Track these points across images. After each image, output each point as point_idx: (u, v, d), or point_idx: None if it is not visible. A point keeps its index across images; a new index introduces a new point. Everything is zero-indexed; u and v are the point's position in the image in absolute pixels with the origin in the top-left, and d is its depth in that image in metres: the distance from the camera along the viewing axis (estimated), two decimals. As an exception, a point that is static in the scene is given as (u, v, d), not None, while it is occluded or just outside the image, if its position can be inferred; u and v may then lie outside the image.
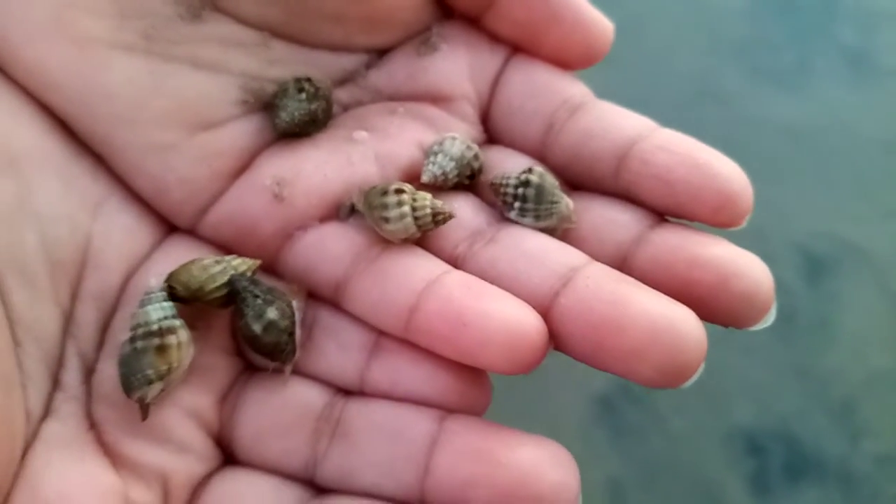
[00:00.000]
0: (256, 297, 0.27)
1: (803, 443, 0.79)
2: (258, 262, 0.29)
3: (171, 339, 0.26)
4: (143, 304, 0.26)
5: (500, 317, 0.25)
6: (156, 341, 0.26)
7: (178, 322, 0.26)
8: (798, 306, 0.85)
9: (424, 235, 0.29)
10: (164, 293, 0.27)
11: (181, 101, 0.28)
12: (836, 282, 0.87)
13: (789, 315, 0.84)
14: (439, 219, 0.28)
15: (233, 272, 0.27)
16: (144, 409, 0.26)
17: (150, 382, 0.25)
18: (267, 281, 0.29)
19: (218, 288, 0.27)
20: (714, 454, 0.78)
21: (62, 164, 0.28)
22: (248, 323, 0.27)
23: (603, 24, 0.31)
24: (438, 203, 0.28)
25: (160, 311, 0.26)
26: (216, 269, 0.27)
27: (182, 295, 0.27)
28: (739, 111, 0.95)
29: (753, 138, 0.94)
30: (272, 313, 0.27)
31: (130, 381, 0.25)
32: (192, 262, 0.27)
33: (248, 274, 0.28)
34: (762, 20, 1.02)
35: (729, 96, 0.95)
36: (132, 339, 0.26)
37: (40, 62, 0.27)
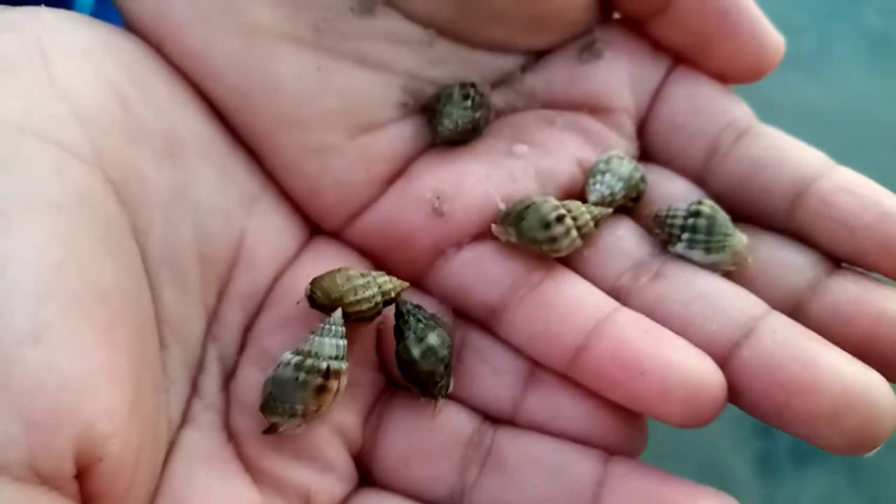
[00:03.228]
0: (419, 320, 0.26)
1: (811, 427, 0.79)
2: (406, 284, 0.27)
3: (333, 384, 0.24)
4: (321, 332, 0.25)
5: (681, 368, 0.24)
6: (319, 381, 0.24)
7: (345, 365, 0.25)
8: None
9: (584, 257, 0.28)
10: (342, 327, 0.25)
11: (346, 101, 0.27)
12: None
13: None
14: (599, 223, 0.28)
15: (377, 289, 0.26)
16: (271, 430, 0.25)
17: (294, 416, 0.24)
18: (413, 299, 0.28)
19: (358, 301, 0.26)
20: (721, 435, 0.78)
21: (220, 155, 0.27)
22: (408, 346, 0.26)
23: (776, 39, 0.30)
24: (595, 209, 0.28)
25: (334, 348, 0.25)
26: (359, 282, 0.26)
27: (321, 301, 0.26)
28: (759, 96, 0.94)
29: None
30: (433, 339, 0.26)
31: (276, 405, 0.24)
32: (339, 270, 0.26)
33: (393, 294, 0.27)
34: (783, 3, 1.00)
35: (749, 80, 0.95)
36: (297, 367, 0.24)
37: (204, 48, 0.26)
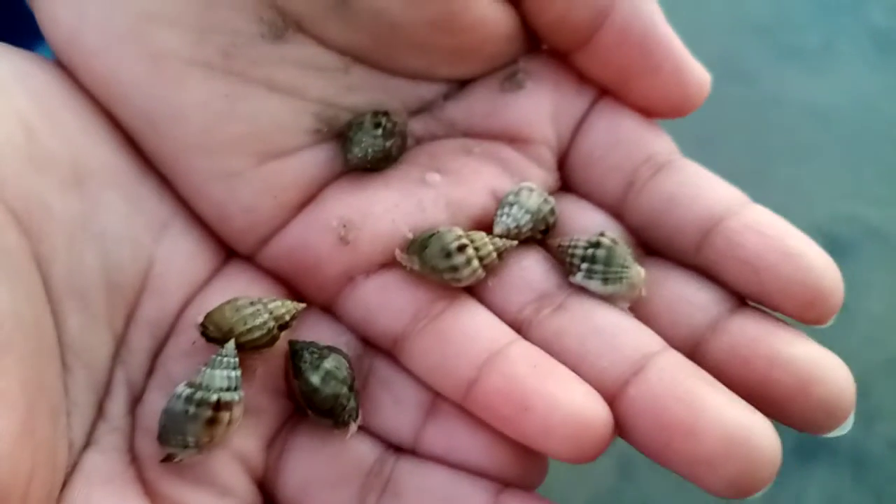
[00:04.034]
0: (313, 353, 0.27)
1: (816, 424, 0.79)
2: (301, 305, 0.28)
3: (224, 416, 0.25)
4: (212, 364, 0.25)
5: (566, 404, 0.24)
6: (209, 413, 0.25)
7: (237, 396, 0.25)
8: (816, 289, 0.84)
9: (489, 287, 0.28)
10: (235, 358, 0.26)
11: (253, 127, 0.27)
12: (855, 265, 0.86)
13: (807, 297, 0.84)
14: (503, 255, 0.28)
15: (268, 315, 0.26)
16: (168, 459, 0.25)
17: (187, 447, 0.25)
18: (323, 324, 0.28)
19: (249, 330, 0.26)
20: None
21: (129, 182, 0.27)
22: (306, 376, 0.26)
23: (701, 76, 0.29)
24: (499, 241, 0.28)
25: (225, 380, 0.25)
26: (248, 311, 0.26)
27: (214, 335, 0.26)
28: (763, 91, 0.94)
29: (776, 119, 0.93)
30: (329, 363, 0.26)
31: (169, 437, 0.25)
32: (228, 302, 0.27)
33: (288, 319, 0.27)
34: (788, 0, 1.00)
35: (753, 76, 0.94)
36: (188, 400, 0.25)
37: (112, 73, 0.26)
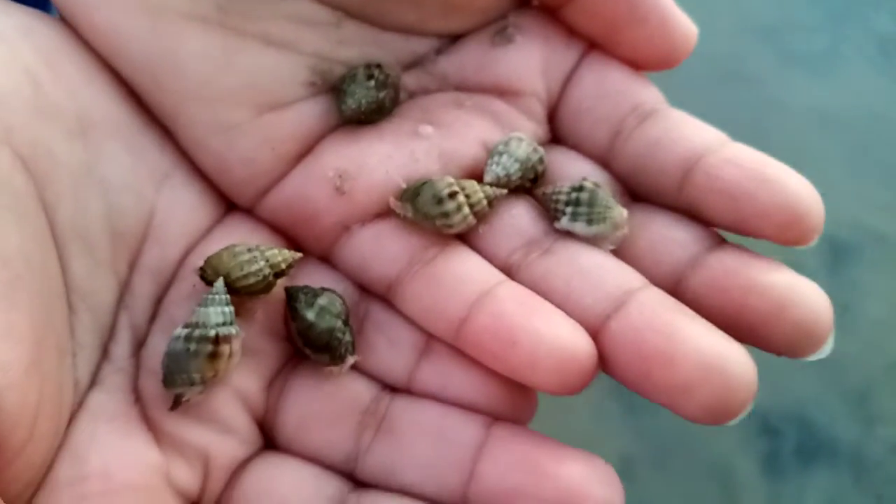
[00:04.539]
0: (307, 294, 0.27)
1: (817, 426, 0.79)
2: (298, 255, 0.28)
3: (225, 349, 0.26)
4: (204, 303, 0.26)
5: (551, 338, 0.25)
6: (209, 348, 0.25)
7: (234, 330, 0.26)
8: (818, 292, 0.84)
9: (480, 235, 0.29)
10: (226, 295, 0.27)
11: (250, 79, 0.28)
12: (857, 269, 0.86)
13: (809, 301, 0.84)
14: (493, 202, 0.29)
15: (264, 262, 0.27)
16: (177, 403, 0.26)
17: (193, 384, 0.25)
18: (321, 272, 0.29)
19: (245, 276, 0.27)
20: (727, 434, 0.79)
21: (132, 134, 0.28)
22: (301, 314, 0.27)
23: (687, 28, 0.30)
24: (489, 189, 0.28)
25: (220, 315, 0.26)
26: (245, 258, 0.27)
27: (211, 278, 0.27)
28: (767, 95, 0.94)
29: (780, 122, 0.93)
30: (323, 300, 0.27)
31: (174, 377, 0.25)
32: (227, 248, 0.27)
33: (284, 267, 0.28)
34: (794, 3, 1.00)
35: (757, 79, 0.95)
36: (187, 339, 0.26)
37: (112, 27, 0.27)
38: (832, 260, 0.86)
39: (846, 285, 0.85)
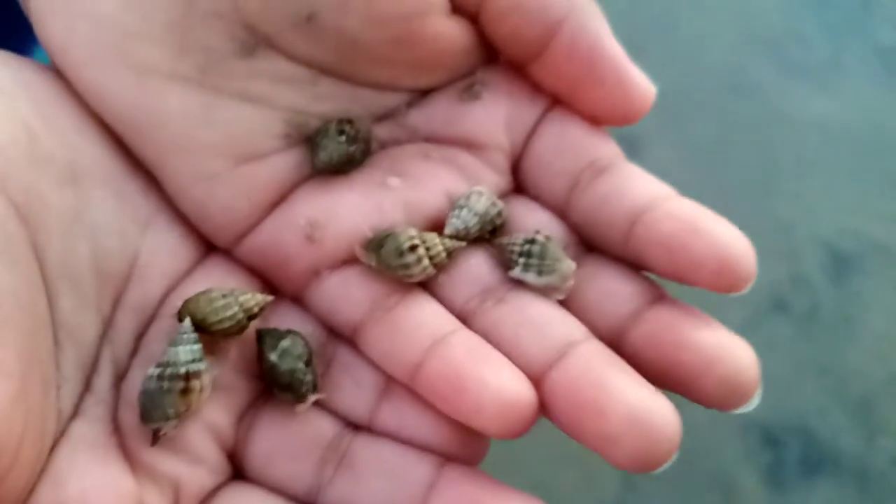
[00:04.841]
0: (273, 335, 0.30)
1: (820, 438, 0.79)
2: (269, 298, 0.30)
3: (195, 384, 0.28)
4: (174, 342, 0.28)
5: (495, 386, 0.27)
6: (181, 384, 0.27)
7: (203, 366, 0.28)
8: (821, 303, 0.84)
9: (439, 283, 0.31)
10: (193, 333, 0.28)
11: (228, 133, 0.30)
12: (860, 279, 0.86)
13: (812, 311, 0.84)
14: (452, 254, 0.31)
15: (238, 307, 0.29)
16: (156, 437, 0.28)
17: (168, 419, 0.27)
18: (293, 314, 0.31)
19: (220, 321, 0.29)
20: (730, 445, 0.79)
21: (118, 181, 0.30)
22: (266, 356, 0.29)
23: (644, 88, 0.32)
24: (449, 242, 0.30)
25: (189, 353, 0.28)
26: (220, 304, 0.29)
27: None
28: (770, 106, 0.94)
29: (783, 133, 0.93)
30: (285, 343, 0.29)
31: (151, 414, 0.27)
32: (203, 292, 0.29)
33: (256, 310, 0.30)
34: (796, 15, 1.01)
35: (760, 91, 0.95)
36: (160, 377, 0.27)
37: (100, 85, 0.29)
38: (835, 271, 0.86)
39: (849, 296, 0.85)
